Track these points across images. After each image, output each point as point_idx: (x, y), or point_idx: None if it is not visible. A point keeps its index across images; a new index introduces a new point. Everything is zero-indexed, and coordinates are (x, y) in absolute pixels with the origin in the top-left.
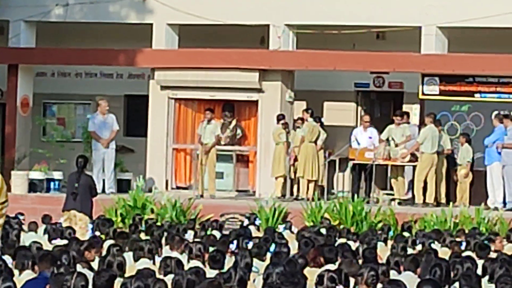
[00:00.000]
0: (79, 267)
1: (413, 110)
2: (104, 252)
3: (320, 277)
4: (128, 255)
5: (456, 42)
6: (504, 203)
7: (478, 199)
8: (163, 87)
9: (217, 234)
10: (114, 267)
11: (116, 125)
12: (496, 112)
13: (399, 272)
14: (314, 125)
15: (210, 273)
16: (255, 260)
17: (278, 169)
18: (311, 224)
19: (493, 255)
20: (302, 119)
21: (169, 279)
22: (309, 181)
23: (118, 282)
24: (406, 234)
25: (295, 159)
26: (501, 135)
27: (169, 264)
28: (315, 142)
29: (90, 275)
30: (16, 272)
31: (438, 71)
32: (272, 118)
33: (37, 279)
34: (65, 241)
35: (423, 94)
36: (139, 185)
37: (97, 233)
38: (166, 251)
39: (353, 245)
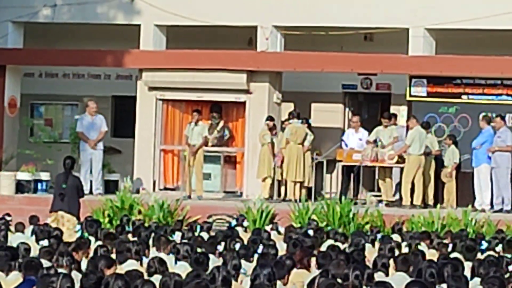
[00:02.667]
0: (67, 270)
1: (401, 112)
2: (91, 253)
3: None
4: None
5: (443, 43)
6: (492, 204)
7: (465, 201)
8: (151, 88)
9: (204, 235)
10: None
11: (104, 126)
12: (483, 114)
13: (387, 274)
14: (298, 127)
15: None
16: (242, 262)
17: (263, 170)
18: (299, 225)
19: (480, 256)
20: (287, 121)
21: (155, 279)
22: (295, 183)
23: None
24: (395, 236)
25: (282, 161)
26: (489, 137)
27: (154, 265)
28: (302, 143)
29: (77, 276)
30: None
31: (426, 73)
32: (260, 119)
33: (23, 283)
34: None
35: (411, 95)
36: (126, 186)
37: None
38: (153, 252)
39: (342, 247)
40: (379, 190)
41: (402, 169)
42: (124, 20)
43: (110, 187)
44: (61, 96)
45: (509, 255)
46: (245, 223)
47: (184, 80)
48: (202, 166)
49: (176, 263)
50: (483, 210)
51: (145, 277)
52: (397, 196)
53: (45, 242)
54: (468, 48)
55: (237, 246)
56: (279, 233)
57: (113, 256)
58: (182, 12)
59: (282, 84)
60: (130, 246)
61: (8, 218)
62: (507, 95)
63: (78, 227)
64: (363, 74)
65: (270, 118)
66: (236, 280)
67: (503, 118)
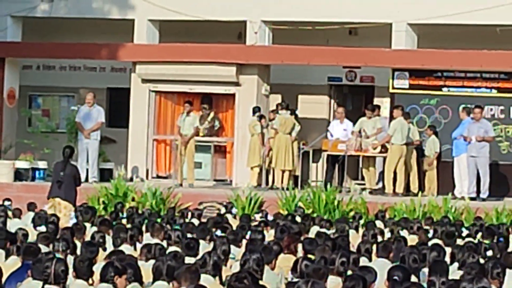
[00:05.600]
0: (62, 255)
1: (384, 104)
2: (87, 239)
3: (295, 263)
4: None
5: (425, 38)
6: (478, 192)
7: (446, 189)
8: (144, 80)
9: (195, 221)
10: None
11: (102, 118)
12: (463, 106)
13: (370, 259)
14: (286, 118)
15: (187, 259)
16: (231, 247)
17: (253, 159)
18: (286, 212)
19: (460, 242)
20: (275, 111)
21: (150, 264)
22: (283, 171)
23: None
24: (378, 222)
25: (270, 150)
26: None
27: (151, 250)
28: (289, 133)
29: (71, 260)
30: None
31: (408, 66)
32: (249, 110)
33: (22, 268)
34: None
35: (394, 88)
36: (120, 174)
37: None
38: (147, 238)
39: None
40: (363, 178)
41: (385, 158)
42: (118, 15)
43: (105, 175)
44: (58, 87)
45: (487, 241)
46: (234, 210)
47: (176, 73)
48: (193, 155)
49: (167, 248)
50: (462, 198)
51: (139, 262)
52: (380, 184)
53: (42, 228)
54: (449, 42)
55: (227, 232)
56: (267, 219)
57: (108, 240)
58: (174, 7)
59: (270, 77)
60: (125, 232)
61: (7, 203)
62: (486, 87)
63: (74, 214)
64: (348, 67)
65: (258, 109)
66: (226, 265)
67: (481, 110)
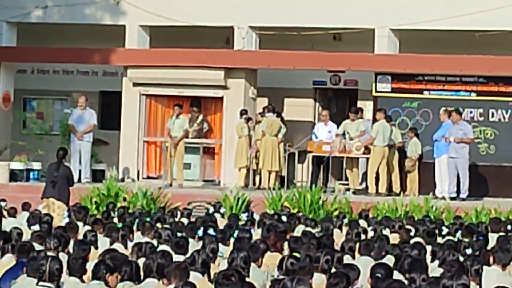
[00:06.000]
0: (54, 253)
1: (367, 106)
2: (80, 237)
3: (281, 261)
4: (102, 240)
5: (407, 43)
6: (458, 192)
7: (427, 189)
8: (135, 84)
9: (185, 220)
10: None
11: (93, 120)
12: (444, 109)
13: (353, 257)
14: (273, 120)
15: (177, 257)
16: (220, 245)
17: (241, 160)
18: (272, 211)
19: (440, 240)
20: (262, 114)
21: (141, 262)
22: (270, 172)
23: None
24: (361, 221)
25: (257, 152)
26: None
27: (141, 249)
28: (276, 135)
29: (66, 258)
30: None
31: (390, 70)
32: (236, 113)
33: (16, 265)
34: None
35: (376, 91)
36: (112, 175)
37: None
38: (138, 236)
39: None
40: (346, 179)
41: (368, 159)
42: (110, 21)
43: (97, 176)
44: (52, 91)
45: (467, 240)
46: (222, 210)
47: (166, 77)
48: (182, 157)
49: (158, 246)
50: (443, 198)
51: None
52: (364, 185)
53: (36, 227)
54: (430, 47)
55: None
56: (253, 219)
57: (100, 239)
58: (164, 13)
59: (257, 80)
60: (116, 231)
61: (3, 203)
62: (466, 91)
63: (67, 213)
64: (332, 71)
65: (245, 112)
66: (214, 263)
67: (459, 113)
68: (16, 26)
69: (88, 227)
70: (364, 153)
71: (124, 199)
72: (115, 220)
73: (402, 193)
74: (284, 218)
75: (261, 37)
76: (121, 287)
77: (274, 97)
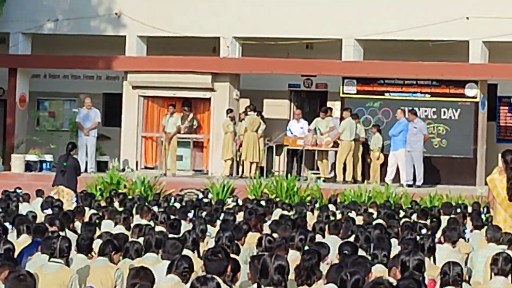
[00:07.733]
0: (66, 232)
1: (335, 106)
2: (86, 219)
3: (260, 239)
4: (106, 223)
5: (370, 51)
6: (414, 180)
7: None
8: (134, 87)
9: (177, 205)
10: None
11: (98, 118)
12: (401, 108)
13: (323, 237)
14: (254, 118)
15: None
16: (208, 226)
17: (227, 153)
18: (253, 197)
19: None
20: (244, 113)
21: (141, 240)
22: (251, 163)
23: (96, 244)
24: (330, 206)
25: (240, 145)
26: (404, 127)
27: (141, 229)
28: (256, 131)
29: (74, 237)
30: (14, 235)
31: (356, 75)
32: (222, 112)
33: (32, 244)
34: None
35: (343, 93)
36: (114, 166)
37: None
38: (136, 219)
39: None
40: (317, 169)
41: (336, 152)
42: (112, 32)
43: (101, 166)
44: (62, 93)
45: (422, 221)
46: (210, 196)
47: (161, 80)
48: (175, 150)
49: (154, 227)
50: (401, 185)
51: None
52: (332, 174)
53: (49, 211)
54: (390, 55)
55: (204, 213)
56: (237, 204)
57: (104, 221)
58: (159, 26)
59: (240, 84)
60: (119, 214)
61: (18, 190)
62: (421, 92)
63: (75, 199)
64: (305, 75)
65: (230, 111)
66: (203, 241)
67: (414, 113)
68: (31, 37)
69: (93, 211)
70: (333, 147)
71: (125, 187)
72: (116, 204)
73: (366, 181)
74: (263, 203)
75: (243, 46)
76: (122, 264)
77: (255, 98)
